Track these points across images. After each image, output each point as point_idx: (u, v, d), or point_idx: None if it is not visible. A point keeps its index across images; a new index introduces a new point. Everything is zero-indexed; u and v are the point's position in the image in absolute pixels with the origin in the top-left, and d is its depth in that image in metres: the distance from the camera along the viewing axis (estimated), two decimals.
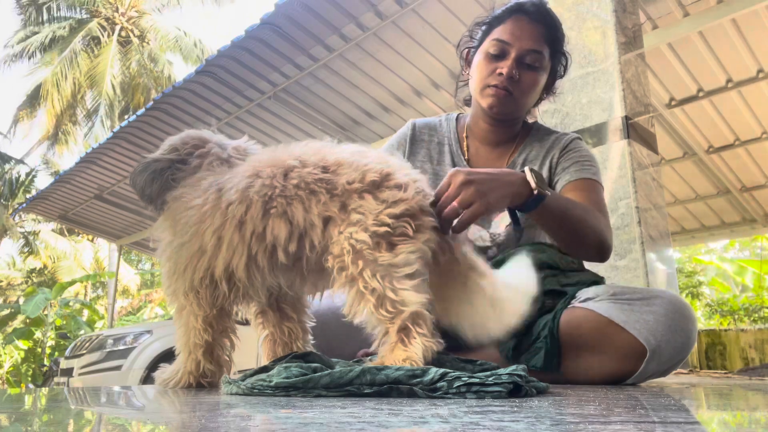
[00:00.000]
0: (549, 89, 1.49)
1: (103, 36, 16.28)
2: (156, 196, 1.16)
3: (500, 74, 1.36)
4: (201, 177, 1.12)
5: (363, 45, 4.74)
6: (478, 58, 1.42)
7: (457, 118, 1.57)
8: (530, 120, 1.56)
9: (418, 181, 1.01)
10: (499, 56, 1.38)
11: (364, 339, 1.08)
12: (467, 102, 1.55)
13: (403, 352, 0.88)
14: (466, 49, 1.51)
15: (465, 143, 1.51)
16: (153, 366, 5.73)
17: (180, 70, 17.78)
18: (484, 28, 1.45)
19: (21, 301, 16.04)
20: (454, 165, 1.48)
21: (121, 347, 5.99)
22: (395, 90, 5.24)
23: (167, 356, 5.84)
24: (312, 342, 1.22)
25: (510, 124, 1.48)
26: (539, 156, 1.45)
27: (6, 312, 13.98)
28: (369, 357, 1.17)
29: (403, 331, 0.90)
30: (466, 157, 1.49)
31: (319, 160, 1.01)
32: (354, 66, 4.98)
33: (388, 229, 0.93)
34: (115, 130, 6.44)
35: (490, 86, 1.38)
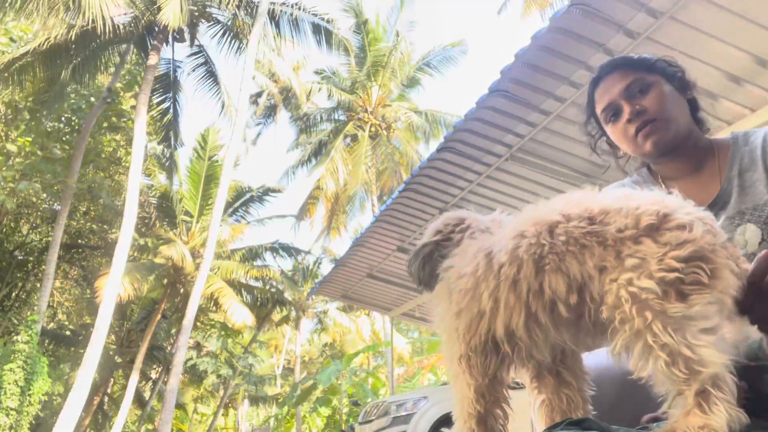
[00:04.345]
0: (685, 89, 1.41)
1: (358, 132, 18.86)
2: (428, 278, 1.25)
3: (629, 120, 1.36)
4: (466, 245, 1.18)
5: None
6: (610, 133, 1.45)
7: (649, 169, 1.53)
8: (719, 135, 1.45)
9: (705, 219, 0.90)
10: (615, 115, 1.40)
11: (643, 402, 0.98)
12: (644, 164, 1.53)
13: (701, 419, 0.77)
14: (602, 141, 1.54)
15: (663, 186, 1.43)
16: (433, 431, 5.99)
17: (422, 148, 19.42)
18: (591, 120, 1.50)
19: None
20: None
21: (403, 413, 6.42)
22: None
23: (445, 421, 6.05)
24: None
25: (688, 147, 1.38)
26: (755, 158, 1.31)
27: (309, 383, 16.26)
28: (656, 423, 1.06)
29: (701, 395, 0.79)
30: None
31: (583, 211, 0.97)
32: None
33: (679, 275, 0.83)
34: (376, 214, 7.28)
35: (635, 135, 1.37)
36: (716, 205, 1.31)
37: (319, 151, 19.84)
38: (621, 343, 0.87)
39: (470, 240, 1.19)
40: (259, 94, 21.66)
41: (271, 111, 22.13)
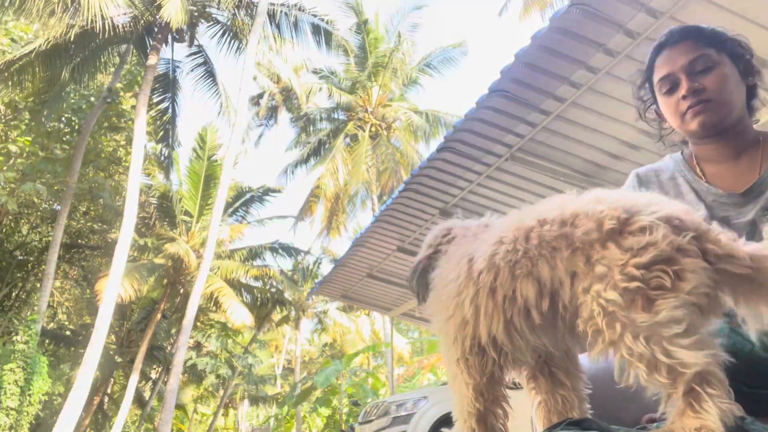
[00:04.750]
0: (748, 74, 1.36)
1: (358, 132, 18.86)
2: (426, 292, 1.26)
3: (684, 97, 1.32)
4: (453, 251, 1.19)
5: (596, 87, 4.56)
6: (661, 104, 1.41)
7: (682, 153, 1.49)
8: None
9: (672, 216, 0.88)
10: (672, 88, 1.35)
11: (645, 402, 0.98)
12: (684, 143, 1.49)
13: (696, 420, 0.76)
14: (651, 110, 1.50)
15: (698, 169, 1.41)
16: (434, 431, 5.99)
17: (423, 147, 19.41)
18: (645, 85, 1.46)
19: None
20: (694, 191, 1.38)
21: (403, 413, 6.42)
22: (641, 125, 4.84)
23: (445, 421, 6.05)
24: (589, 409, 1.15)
25: (735, 133, 1.35)
26: None
27: (309, 383, 16.25)
28: (655, 423, 1.06)
29: (690, 394, 0.78)
30: (704, 181, 1.38)
31: (558, 215, 0.97)
32: (590, 110, 4.80)
33: (640, 284, 0.82)
34: (376, 214, 7.28)
35: (686, 112, 1.33)
36: (750, 194, 1.30)
37: (319, 150, 19.84)
38: (597, 353, 0.87)
39: (456, 246, 1.20)
40: (260, 96, 21.66)
41: (272, 112, 22.13)
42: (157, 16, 11.93)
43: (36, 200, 14.52)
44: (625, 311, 0.82)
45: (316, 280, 16.56)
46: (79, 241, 17.22)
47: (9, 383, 10.47)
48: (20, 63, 12.07)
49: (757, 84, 1.38)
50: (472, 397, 1.08)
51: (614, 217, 0.89)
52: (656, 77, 1.40)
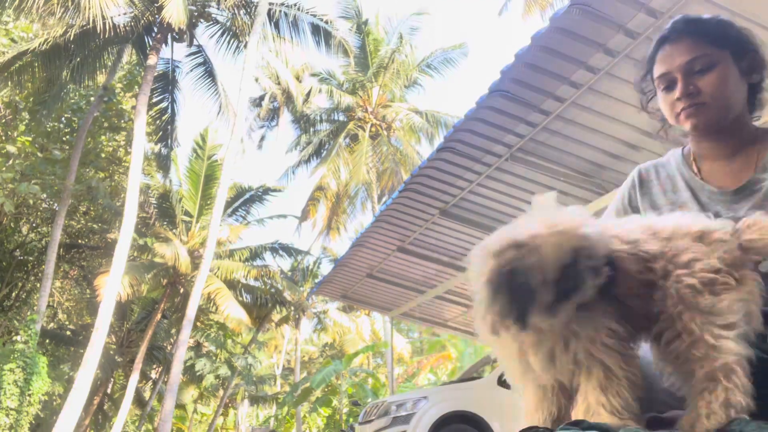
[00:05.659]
0: (752, 71, 1.31)
1: (359, 132, 18.85)
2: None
3: (679, 99, 1.31)
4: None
5: (596, 87, 4.57)
6: (660, 100, 1.40)
7: (683, 150, 1.48)
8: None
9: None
10: (669, 87, 1.34)
11: (645, 403, 0.99)
12: (685, 135, 1.47)
13: (705, 408, 0.86)
14: (654, 101, 1.47)
15: (695, 166, 1.40)
16: (434, 431, 5.99)
17: (423, 148, 19.39)
18: (648, 78, 1.44)
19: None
20: (690, 189, 1.38)
21: (403, 413, 6.41)
22: (640, 125, 4.85)
23: (445, 421, 6.05)
24: None
25: (731, 132, 1.33)
26: None
27: (309, 384, 16.25)
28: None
29: (711, 380, 0.88)
30: (699, 177, 1.38)
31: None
32: (590, 110, 4.80)
33: (716, 276, 0.94)
34: (376, 214, 7.27)
35: (680, 113, 1.32)
36: (742, 192, 1.28)
37: (319, 151, 19.83)
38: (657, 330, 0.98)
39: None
40: (262, 97, 21.67)
41: (274, 113, 22.13)
42: (157, 16, 11.93)
43: (32, 201, 14.48)
44: (695, 295, 0.95)
45: (316, 280, 16.55)
46: (79, 241, 17.22)
47: (9, 383, 10.46)
48: (20, 63, 12.06)
49: (764, 78, 1.33)
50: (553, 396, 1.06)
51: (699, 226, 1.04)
52: (656, 73, 1.37)
